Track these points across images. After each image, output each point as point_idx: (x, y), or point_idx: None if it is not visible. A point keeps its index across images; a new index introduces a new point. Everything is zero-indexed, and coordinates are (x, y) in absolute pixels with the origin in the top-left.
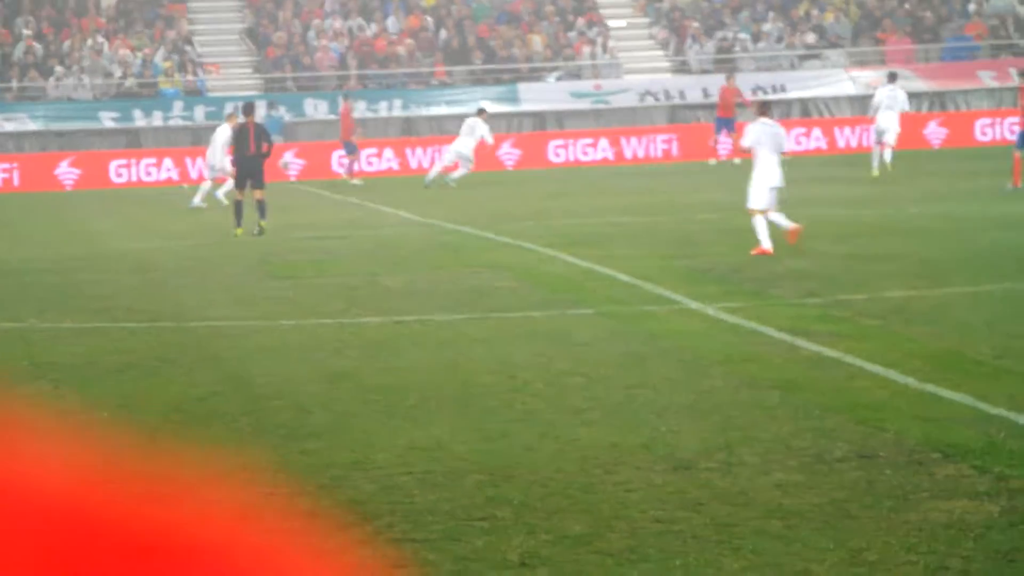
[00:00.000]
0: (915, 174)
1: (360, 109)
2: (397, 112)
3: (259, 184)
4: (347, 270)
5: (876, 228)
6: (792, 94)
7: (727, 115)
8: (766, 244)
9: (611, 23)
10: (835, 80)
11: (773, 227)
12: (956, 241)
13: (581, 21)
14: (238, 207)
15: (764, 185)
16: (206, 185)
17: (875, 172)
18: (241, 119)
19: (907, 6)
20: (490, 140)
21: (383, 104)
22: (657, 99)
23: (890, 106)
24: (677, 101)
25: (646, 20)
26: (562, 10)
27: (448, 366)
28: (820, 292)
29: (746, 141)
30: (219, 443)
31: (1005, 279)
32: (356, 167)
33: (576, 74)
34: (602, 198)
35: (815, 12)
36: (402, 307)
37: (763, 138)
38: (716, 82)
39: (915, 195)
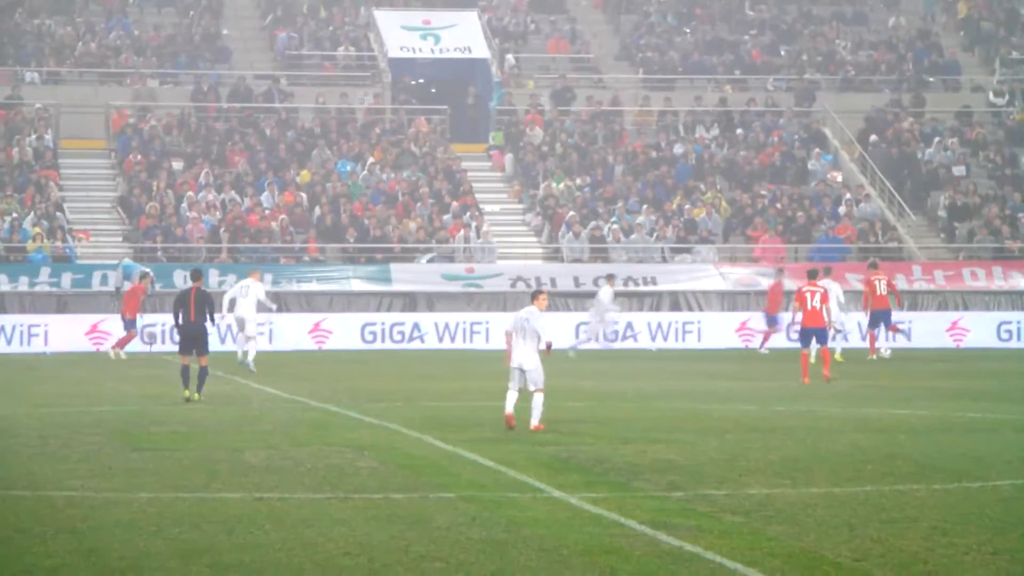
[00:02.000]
0: (783, 373)
1: (229, 283)
2: (267, 287)
3: (202, 351)
4: (210, 444)
5: (742, 424)
6: (662, 287)
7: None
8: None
9: (486, 208)
10: (705, 275)
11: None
12: (818, 441)
13: (456, 204)
14: (185, 372)
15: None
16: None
17: (875, 356)
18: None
19: (778, 205)
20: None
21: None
22: (529, 285)
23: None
24: (548, 288)
25: (521, 206)
26: (437, 192)
27: (307, 546)
28: (683, 485)
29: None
30: None
31: (865, 482)
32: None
33: (449, 256)
34: (471, 381)
35: (687, 207)
36: (263, 483)
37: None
38: (587, 271)
39: (781, 393)
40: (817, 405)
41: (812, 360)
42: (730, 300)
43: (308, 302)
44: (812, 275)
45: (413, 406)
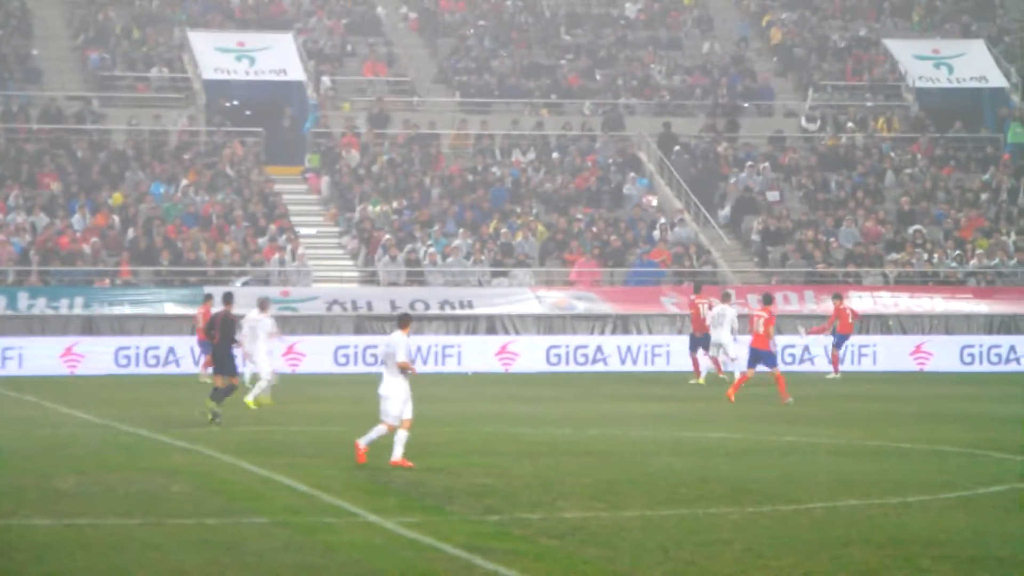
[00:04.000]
0: (595, 396)
1: (40, 306)
2: (78, 310)
3: (228, 372)
4: (18, 469)
5: (557, 448)
6: (479, 310)
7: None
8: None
9: (301, 231)
10: (521, 298)
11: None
12: (632, 464)
13: (271, 227)
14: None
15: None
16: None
17: (701, 380)
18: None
19: (594, 229)
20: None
21: (64, 302)
22: (344, 308)
23: (719, 323)
24: (364, 311)
25: (337, 229)
26: (252, 215)
27: (118, 572)
28: (499, 509)
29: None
30: None
31: (679, 504)
32: None
33: (264, 279)
34: (288, 405)
35: (504, 230)
36: (74, 509)
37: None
38: (404, 295)
39: (595, 416)
40: (631, 428)
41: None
42: (546, 323)
43: (120, 325)
44: (767, 300)
45: (227, 431)
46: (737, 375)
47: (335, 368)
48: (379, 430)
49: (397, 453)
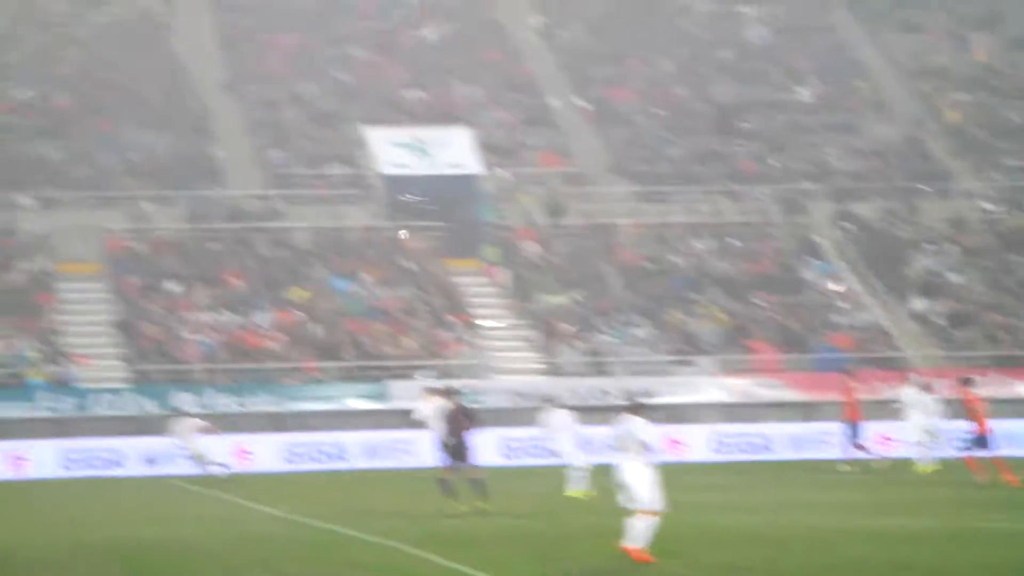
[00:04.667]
0: (780, 483)
1: (228, 404)
2: (268, 407)
3: (469, 462)
4: (204, 566)
5: (751, 537)
6: (662, 399)
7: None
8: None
9: (482, 323)
10: (705, 387)
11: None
12: (825, 552)
13: (452, 320)
14: (446, 485)
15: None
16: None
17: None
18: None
19: (774, 315)
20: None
21: (253, 399)
22: (528, 400)
23: (915, 407)
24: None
25: (517, 321)
26: (433, 308)
27: None
28: None
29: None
30: None
31: None
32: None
33: (447, 373)
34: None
35: (684, 318)
36: None
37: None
38: (587, 385)
39: (777, 503)
40: (822, 515)
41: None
42: (730, 411)
43: (307, 421)
44: (968, 383)
45: (416, 523)
46: (923, 458)
47: (506, 461)
48: (640, 521)
49: (635, 541)
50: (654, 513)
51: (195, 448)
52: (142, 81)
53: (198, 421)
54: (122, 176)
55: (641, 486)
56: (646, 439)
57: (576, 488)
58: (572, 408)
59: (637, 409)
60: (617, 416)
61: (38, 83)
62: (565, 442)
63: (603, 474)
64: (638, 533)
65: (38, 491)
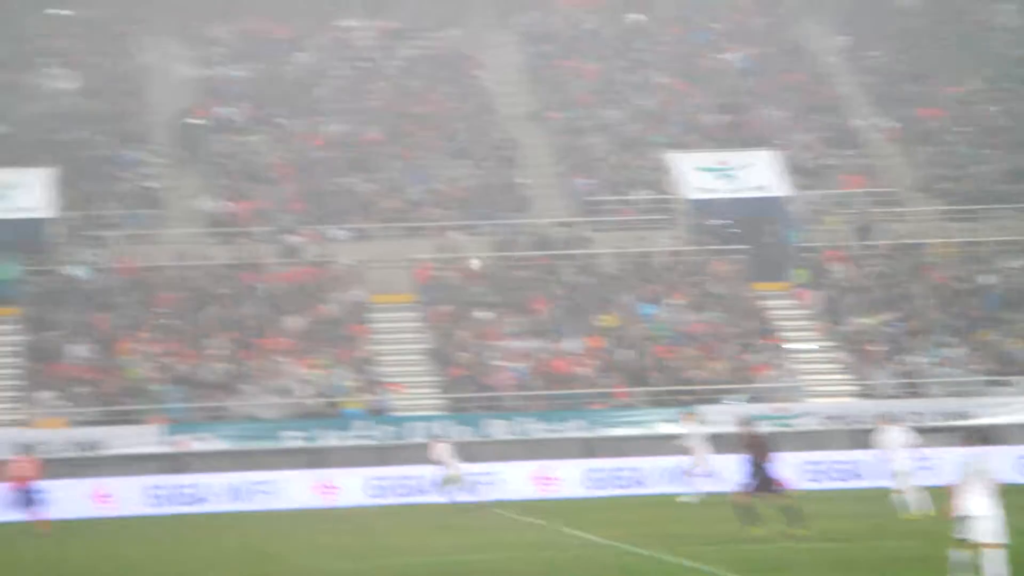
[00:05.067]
0: None
1: (541, 430)
2: (579, 433)
3: (777, 489)
4: None
5: None
6: (978, 421)
7: None
8: None
9: (791, 346)
10: (1020, 408)
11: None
12: None
13: (761, 343)
14: (747, 511)
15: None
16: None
17: None
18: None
19: None
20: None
21: (565, 424)
22: (841, 423)
23: None
24: (859, 426)
25: (827, 343)
26: (741, 332)
27: None
28: None
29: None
30: None
31: None
32: None
33: (757, 397)
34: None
35: (999, 338)
36: None
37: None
38: (900, 407)
39: None
40: None
41: None
42: None
43: (618, 447)
44: None
45: (729, 548)
46: None
47: (818, 484)
48: (984, 554)
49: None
50: (998, 546)
51: (454, 472)
52: (449, 112)
53: (449, 446)
54: (430, 206)
55: (985, 517)
56: (991, 470)
57: (913, 510)
58: (907, 426)
59: (983, 439)
60: (963, 446)
61: (348, 117)
62: (900, 461)
63: (927, 497)
64: (987, 566)
65: (345, 518)
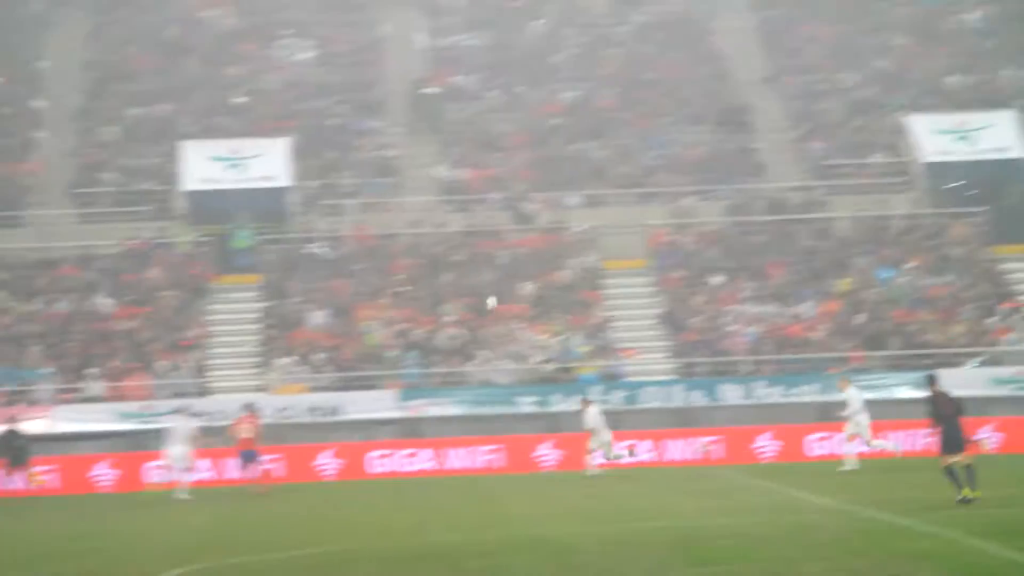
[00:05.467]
0: None
1: (775, 394)
2: (812, 397)
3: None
4: (769, 556)
5: None
6: None
7: None
8: None
9: None
10: None
11: None
12: None
13: (1001, 307)
14: (952, 473)
15: None
16: None
17: None
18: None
19: None
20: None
21: (799, 389)
22: None
23: None
24: None
25: None
26: (980, 295)
27: None
28: None
29: None
30: None
31: None
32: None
33: (995, 360)
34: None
35: None
36: None
37: None
38: None
39: None
40: None
41: None
42: None
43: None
44: None
45: (973, 512)
46: None
47: None
48: None
49: None
50: None
51: (605, 436)
52: (681, 78)
53: (599, 409)
54: (663, 172)
55: None
56: None
57: None
58: None
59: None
60: None
61: (581, 84)
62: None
63: None
64: None
65: (583, 482)
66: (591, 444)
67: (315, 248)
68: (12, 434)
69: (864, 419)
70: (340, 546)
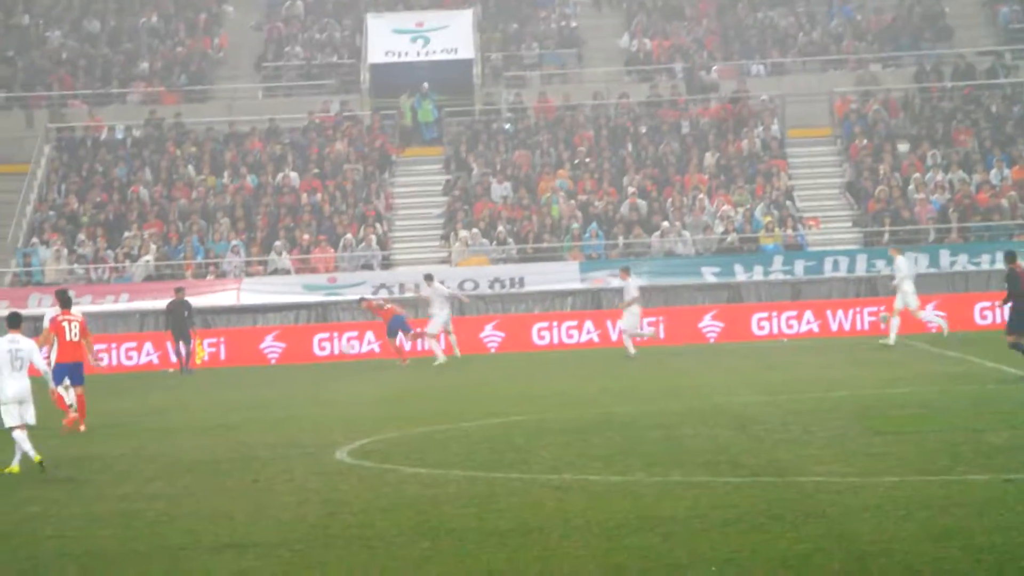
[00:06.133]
0: None
1: (962, 263)
2: (1000, 266)
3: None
4: (949, 425)
5: None
6: None
7: None
8: None
9: None
10: None
11: None
12: None
13: None
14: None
15: None
16: None
17: None
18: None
19: None
20: None
21: (985, 257)
22: None
23: None
24: None
25: None
26: None
27: None
28: None
29: None
30: None
31: None
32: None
33: None
34: None
35: None
36: (1009, 464)
37: None
38: None
39: None
40: None
41: None
42: None
43: None
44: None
45: None
46: None
47: None
48: None
49: None
50: None
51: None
52: None
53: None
54: (849, 38)
55: None
56: None
57: None
58: None
59: None
60: None
61: None
62: None
63: None
64: None
65: (761, 353)
66: (626, 321)
67: (499, 121)
68: (179, 306)
69: (909, 288)
70: (522, 416)
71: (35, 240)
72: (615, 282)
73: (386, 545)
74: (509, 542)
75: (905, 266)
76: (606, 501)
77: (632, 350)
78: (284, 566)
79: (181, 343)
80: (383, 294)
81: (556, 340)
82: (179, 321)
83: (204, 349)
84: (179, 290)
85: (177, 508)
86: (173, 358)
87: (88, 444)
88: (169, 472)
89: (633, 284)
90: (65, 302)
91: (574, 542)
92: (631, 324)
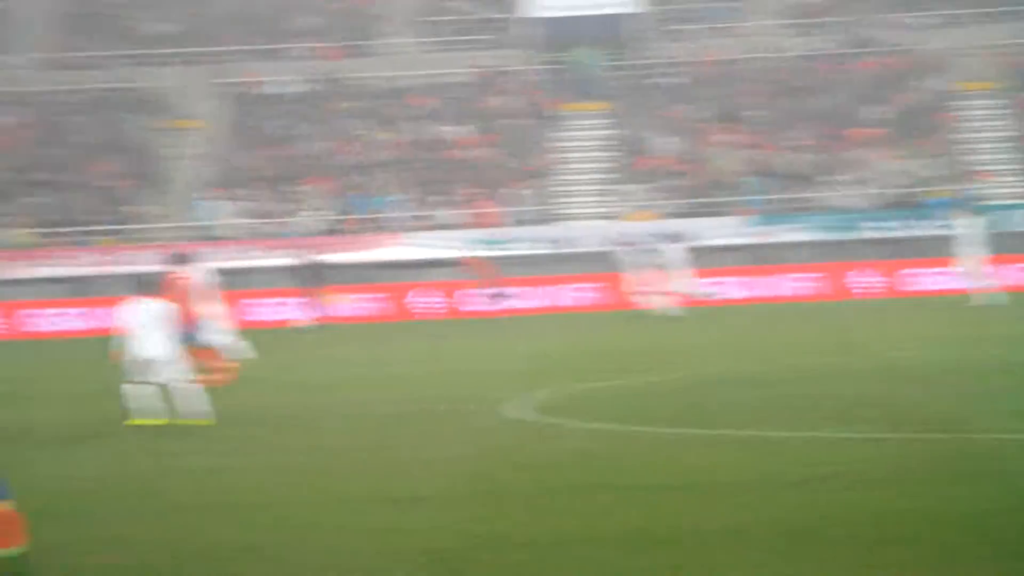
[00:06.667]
0: None
1: None
2: None
3: None
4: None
5: None
6: None
7: None
8: None
9: None
10: None
11: None
12: None
13: None
14: None
15: None
16: None
17: None
18: None
19: None
20: None
21: None
22: None
23: None
24: None
25: None
26: None
27: None
28: None
29: None
30: None
31: None
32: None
33: None
34: None
35: None
36: None
37: None
38: None
39: None
40: None
41: None
42: None
43: None
44: None
45: None
46: None
47: None
48: None
49: None
50: None
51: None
52: None
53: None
54: None
55: None
56: None
57: None
58: None
59: None
60: None
61: None
62: None
63: None
64: None
65: (918, 308)
66: (669, 284)
67: (664, 75)
68: (312, 263)
69: (969, 251)
70: (695, 371)
71: (205, 194)
72: (779, 236)
73: (568, 498)
74: (693, 496)
75: (967, 228)
76: (795, 454)
77: (677, 311)
78: (467, 522)
79: (317, 298)
80: (546, 249)
81: (724, 296)
82: (314, 277)
83: (336, 301)
84: (311, 249)
85: (369, 460)
86: (312, 313)
87: (258, 397)
88: (355, 426)
89: (677, 249)
90: (178, 260)
91: (754, 496)
92: (689, 286)
